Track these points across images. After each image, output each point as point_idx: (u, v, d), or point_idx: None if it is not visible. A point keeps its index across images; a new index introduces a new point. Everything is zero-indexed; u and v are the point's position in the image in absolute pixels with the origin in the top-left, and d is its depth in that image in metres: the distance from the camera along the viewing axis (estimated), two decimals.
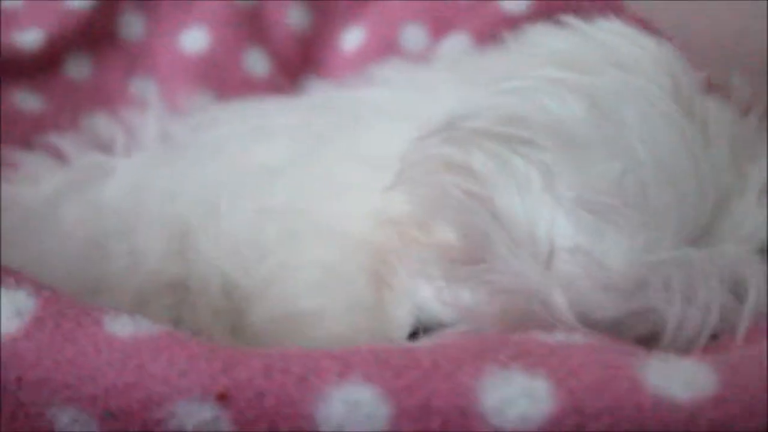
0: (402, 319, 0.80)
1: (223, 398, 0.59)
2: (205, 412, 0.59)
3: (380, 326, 0.83)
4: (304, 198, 0.91)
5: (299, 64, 1.36)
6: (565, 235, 0.71)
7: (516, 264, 0.70)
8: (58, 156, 1.14)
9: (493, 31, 1.24)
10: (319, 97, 1.12)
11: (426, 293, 0.78)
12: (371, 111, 0.95)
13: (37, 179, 1.06)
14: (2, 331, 0.64)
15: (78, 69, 1.28)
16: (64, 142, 1.15)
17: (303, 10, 1.37)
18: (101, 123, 1.20)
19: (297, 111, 1.04)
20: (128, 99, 1.25)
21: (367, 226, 0.86)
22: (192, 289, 0.91)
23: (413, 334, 0.79)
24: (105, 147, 1.18)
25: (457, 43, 1.30)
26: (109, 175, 1.06)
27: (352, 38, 1.39)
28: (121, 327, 0.64)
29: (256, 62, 1.32)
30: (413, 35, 1.36)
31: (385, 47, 1.37)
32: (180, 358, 0.61)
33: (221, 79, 1.29)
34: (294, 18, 1.36)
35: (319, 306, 0.85)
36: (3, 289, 0.66)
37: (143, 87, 1.27)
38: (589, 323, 0.69)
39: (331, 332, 0.84)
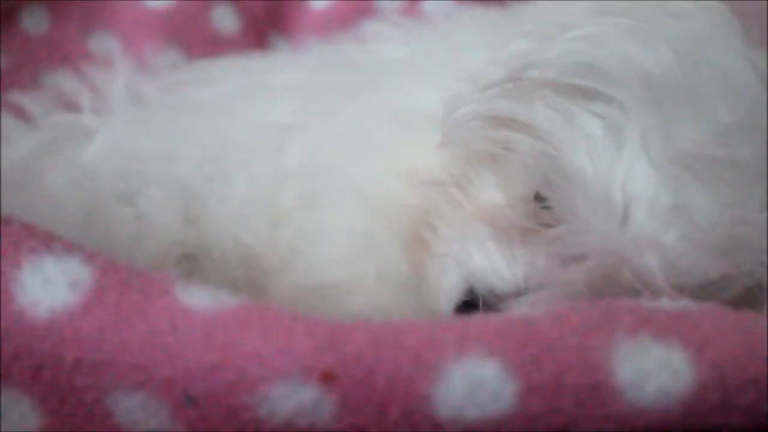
0: (450, 288, 0.74)
1: (327, 378, 0.52)
2: (306, 394, 0.52)
3: (415, 299, 0.77)
4: (325, 157, 0.83)
5: (267, 21, 1.28)
6: (646, 191, 0.66)
7: (599, 224, 0.65)
8: (22, 115, 1.03)
9: None
10: (324, 54, 1.03)
11: (480, 259, 0.72)
12: (397, 67, 0.89)
13: (7, 140, 0.96)
14: (56, 305, 0.55)
15: (34, 22, 1.17)
16: (27, 100, 1.04)
17: None
18: (64, 81, 1.10)
19: (300, 67, 0.96)
20: (88, 55, 1.15)
21: (398, 187, 0.80)
22: (206, 258, 0.83)
23: (465, 306, 0.73)
24: (70, 106, 1.08)
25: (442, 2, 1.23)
26: (87, 135, 0.97)
27: None
28: (197, 298, 0.56)
29: (225, 18, 1.24)
30: None
31: (357, 6, 1.30)
32: (275, 333, 0.54)
33: (189, 36, 1.21)
34: None
35: (348, 277, 0.78)
36: (51, 257, 0.57)
37: (103, 43, 1.17)
38: (679, 287, 0.64)
39: (360, 305, 0.78)
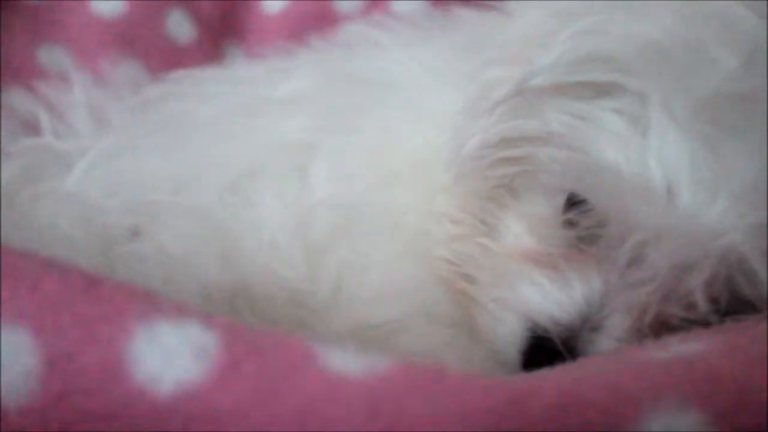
0: (511, 337, 0.70)
1: None
2: None
3: (469, 343, 0.73)
4: (354, 185, 0.77)
5: (222, 28, 1.21)
6: (683, 159, 0.62)
7: (645, 209, 0.62)
8: None
9: None
10: (323, 63, 0.96)
11: (532, 296, 0.69)
12: (402, 87, 0.83)
13: None
14: (181, 378, 0.47)
15: None
16: None
17: None
18: (17, 99, 0.98)
19: (303, 77, 0.89)
20: (40, 70, 1.04)
21: (431, 227, 0.77)
22: (248, 296, 0.75)
23: (534, 350, 0.69)
24: (28, 127, 0.97)
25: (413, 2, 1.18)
26: (64, 160, 0.87)
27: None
28: (344, 361, 0.49)
29: (180, 25, 1.15)
30: None
31: (314, 7, 1.23)
32: (445, 397, 0.47)
33: (145, 46, 1.11)
34: None
35: (398, 315, 0.73)
36: (166, 322, 0.49)
37: (53, 56, 1.06)
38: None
39: (415, 343, 0.73)
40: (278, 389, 0.47)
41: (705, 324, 0.63)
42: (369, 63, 0.88)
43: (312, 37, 1.07)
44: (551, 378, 0.49)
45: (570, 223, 0.69)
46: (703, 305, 0.63)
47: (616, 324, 0.66)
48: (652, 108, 0.63)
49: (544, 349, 0.68)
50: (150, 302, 0.50)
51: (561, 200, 0.70)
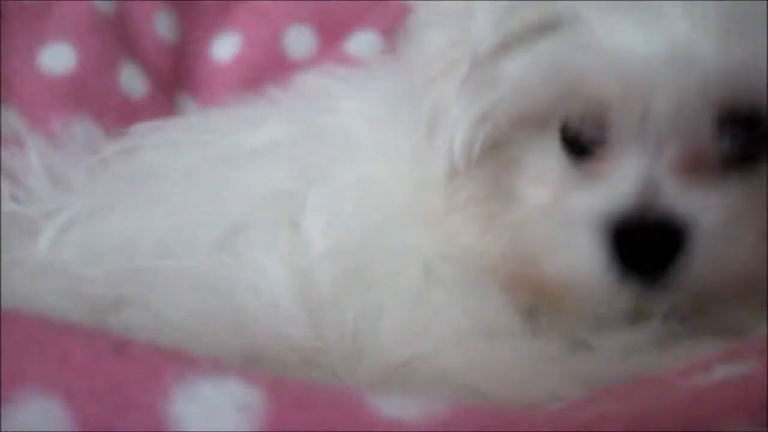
0: (592, 248, 0.65)
1: None
2: None
3: (512, 346, 0.71)
4: (352, 237, 0.76)
5: (173, 79, 1.18)
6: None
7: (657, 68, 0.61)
8: None
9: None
10: (285, 115, 0.92)
11: (595, 199, 0.66)
12: (359, 135, 0.83)
13: None
14: None
15: None
16: None
17: (170, 17, 1.18)
18: None
19: (268, 129, 0.87)
20: None
21: (449, 250, 0.75)
22: (261, 362, 0.72)
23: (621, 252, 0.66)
24: None
25: (366, 42, 1.17)
26: (31, 227, 0.83)
27: (224, 47, 1.22)
28: (398, 408, 0.47)
29: (132, 79, 1.12)
30: (299, 40, 1.21)
31: (265, 55, 1.22)
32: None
33: (98, 103, 1.08)
34: (161, 26, 1.17)
35: (431, 342, 0.70)
36: (205, 380, 0.46)
37: (6, 120, 1.03)
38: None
39: (453, 366, 0.71)
40: None
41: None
42: (327, 115, 0.86)
43: (266, 85, 1.04)
44: (610, 408, 0.47)
45: (578, 151, 0.69)
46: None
47: (676, 183, 0.64)
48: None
49: (633, 249, 0.64)
50: (184, 360, 0.47)
51: (557, 141, 0.69)
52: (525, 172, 0.71)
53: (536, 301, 0.70)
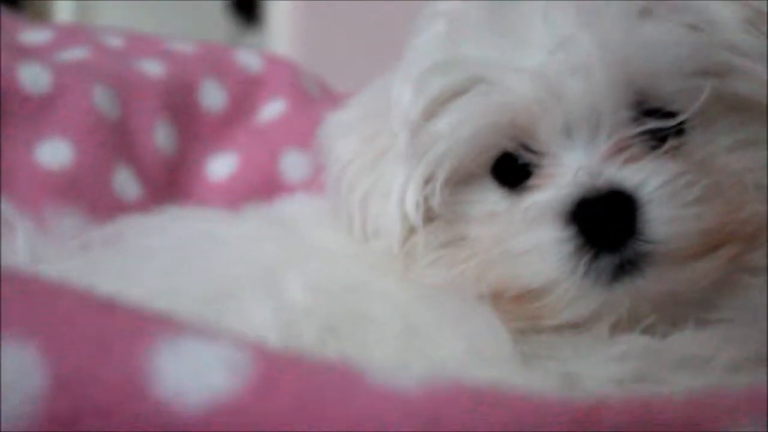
0: (551, 237, 0.70)
1: None
2: None
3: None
4: (331, 291, 0.76)
5: (167, 190, 1.18)
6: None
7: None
8: None
9: None
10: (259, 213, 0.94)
11: (545, 195, 0.71)
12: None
13: None
14: (214, 391, 0.42)
15: None
16: None
17: (169, 129, 1.20)
18: None
19: (249, 222, 0.88)
20: None
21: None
22: None
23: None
24: None
25: None
26: None
27: (221, 165, 1.24)
28: (395, 379, 0.44)
29: (126, 183, 1.13)
30: (296, 164, 1.23)
31: (261, 176, 1.23)
32: (516, 406, 0.43)
33: (91, 200, 1.07)
34: (160, 137, 1.18)
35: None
36: (196, 341, 0.44)
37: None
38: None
39: None
40: (323, 404, 0.42)
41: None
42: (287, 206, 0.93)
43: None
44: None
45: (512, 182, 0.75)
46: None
47: (614, 166, 0.69)
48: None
49: (593, 223, 0.68)
50: (174, 323, 0.45)
51: (491, 179, 0.76)
52: (473, 216, 0.76)
53: (523, 322, 0.72)
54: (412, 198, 0.77)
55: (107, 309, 0.45)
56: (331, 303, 0.75)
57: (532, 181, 0.74)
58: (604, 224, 0.67)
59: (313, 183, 1.19)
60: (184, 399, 0.42)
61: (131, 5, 2.99)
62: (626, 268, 0.68)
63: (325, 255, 0.82)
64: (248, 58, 1.30)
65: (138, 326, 0.45)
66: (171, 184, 1.19)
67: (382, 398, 0.43)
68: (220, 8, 3.04)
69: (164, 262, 0.79)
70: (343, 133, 0.86)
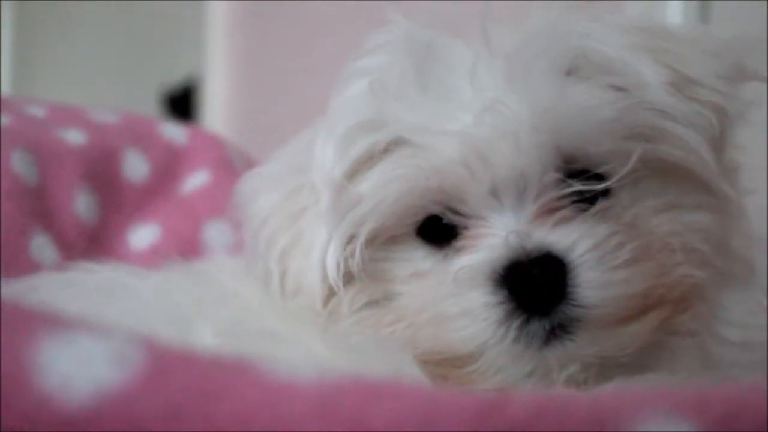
0: (481, 303, 0.71)
1: None
2: None
3: None
4: (239, 337, 0.75)
5: (87, 257, 1.15)
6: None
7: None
8: None
9: None
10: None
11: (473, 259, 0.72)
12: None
13: None
14: (98, 385, 0.40)
15: None
16: None
17: (90, 198, 1.19)
18: None
19: (164, 274, 0.87)
20: None
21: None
22: None
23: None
24: None
25: None
26: None
27: (142, 236, 1.22)
28: (288, 372, 0.43)
29: (42, 249, 1.11)
30: (219, 234, 1.22)
31: (183, 246, 1.21)
32: (410, 400, 0.42)
33: (6, 263, 1.05)
34: (81, 206, 1.17)
35: None
36: (84, 333, 0.42)
37: None
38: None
39: None
40: (213, 394, 0.41)
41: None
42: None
43: None
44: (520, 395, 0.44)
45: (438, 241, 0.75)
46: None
47: (543, 228, 0.70)
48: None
49: (523, 286, 0.68)
50: (66, 319, 0.43)
51: (416, 239, 0.76)
52: (397, 275, 0.75)
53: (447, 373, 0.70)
54: (332, 258, 0.76)
55: None
56: (241, 347, 0.72)
57: (458, 242, 0.73)
58: (535, 288, 0.67)
59: (236, 252, 1.18)
60: (68, 391, 0.40)
61: (67, 91, 2.98)
62: (557, 332, 0.67)
63: (239, 303, 0.81)
64: (172, 130, 1.29)
65: (22, 321, 0.43)
66: (91, 252, 1.16)
67: (276, 390, 0.42)
68: (155, 103, 3.04)
69: (74, 310, 0.77)
70: (264, 187, 0.84)
